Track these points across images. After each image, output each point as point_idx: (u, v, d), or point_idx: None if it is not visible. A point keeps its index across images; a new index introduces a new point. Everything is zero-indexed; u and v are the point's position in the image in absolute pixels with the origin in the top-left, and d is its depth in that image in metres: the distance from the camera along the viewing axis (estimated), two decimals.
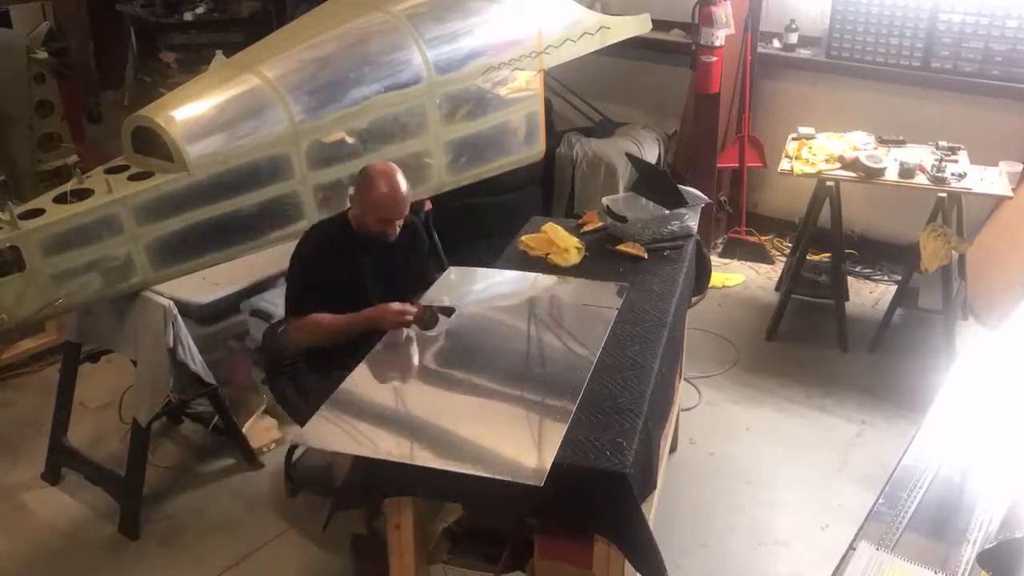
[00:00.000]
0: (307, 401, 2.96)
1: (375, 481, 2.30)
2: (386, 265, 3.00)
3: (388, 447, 2.22)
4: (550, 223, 3.33)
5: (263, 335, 3.35)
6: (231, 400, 3.67)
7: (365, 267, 2.97)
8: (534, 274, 3.06)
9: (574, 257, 3.15)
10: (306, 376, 3.09)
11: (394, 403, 2.43)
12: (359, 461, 2.30)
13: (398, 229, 2.92)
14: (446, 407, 2.38)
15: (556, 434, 2.20)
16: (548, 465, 2.08)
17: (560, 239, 3.21)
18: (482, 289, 3.04)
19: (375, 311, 2.77)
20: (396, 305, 2.75)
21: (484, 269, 3.13)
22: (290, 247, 3.43)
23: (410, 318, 2.72)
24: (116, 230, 2.93)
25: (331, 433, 2.29)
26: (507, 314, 2.88)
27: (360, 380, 2.49)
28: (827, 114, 4.77)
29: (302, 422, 2.98)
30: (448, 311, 2.80)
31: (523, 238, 3.28)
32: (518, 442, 2.22)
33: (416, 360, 2.66)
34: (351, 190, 3.03)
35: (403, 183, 2.87)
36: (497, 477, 2.07)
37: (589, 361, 2.52)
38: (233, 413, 3.63)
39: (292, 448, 3.48)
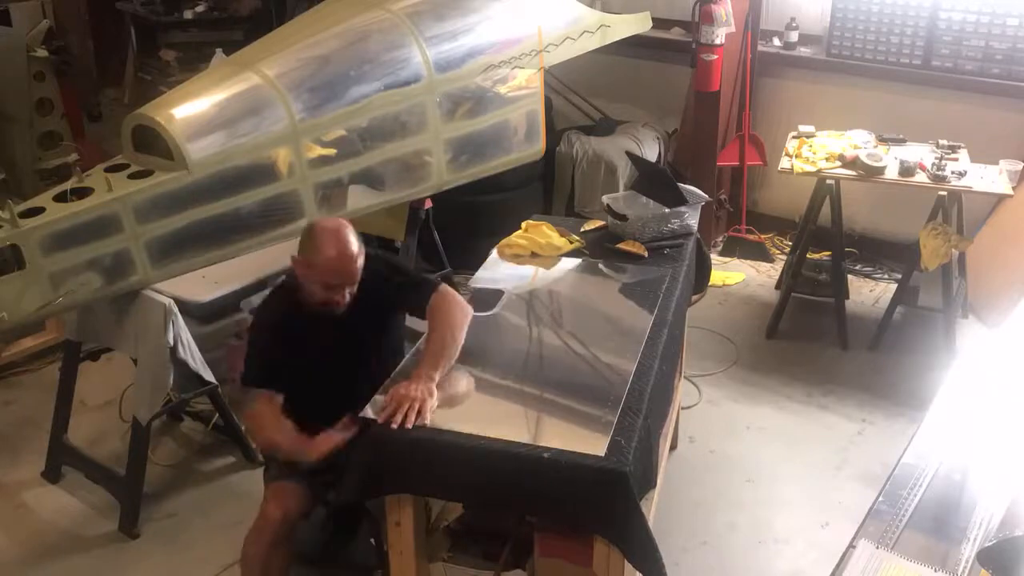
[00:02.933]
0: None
1: (377, 477, 2.30)
2: (345, 336, 2.62)
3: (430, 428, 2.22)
4: (528, 222, 3.26)
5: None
6: (231, 398, 3.67)
7: (320, 342, 2.60)
8: (534, 268, 3.04)
9: (560, 244, 3.14)
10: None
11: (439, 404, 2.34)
12: (361, 456, 2.30)
13: (348, 297, 2.53)
14: (479, 412, 2.38)
15: (598, 444, 2.18)
16: (605, 446, 2.13)
17: (542, 236, 3.17)
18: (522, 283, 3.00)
19: (299, 446, 2.49)
20: (321, 440, 2.46)
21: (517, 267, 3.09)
22: (290, 245, 3.44)
23: (336, 443, 2.44)
24: (116, 228, 2.93)
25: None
26: (506, 311, 2.86)
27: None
28: (827, 112, 4.77)
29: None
30: (497, 294, 2.79)
31: (505, 245, 3.12)
32: (564, 439, 2.22)
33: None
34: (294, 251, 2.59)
35: (354, 243, 2.48)
36: (562, 448, 2.10)
37: (627, 372, 2.47)
38: (233, 411, 3.63)
39: None
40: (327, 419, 2.54)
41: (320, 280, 2.49)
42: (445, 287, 2.62)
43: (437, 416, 2.29)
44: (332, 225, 2.51)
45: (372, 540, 2.84)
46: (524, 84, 3.88)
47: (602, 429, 2.23)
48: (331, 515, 2.84)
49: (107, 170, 3.05)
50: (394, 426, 2.19)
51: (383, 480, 2.30)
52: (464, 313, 2.56)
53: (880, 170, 4.04)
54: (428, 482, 2.28)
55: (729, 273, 5.05)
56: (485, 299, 2.80)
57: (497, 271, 3.06)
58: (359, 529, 2.89)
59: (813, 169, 4.14)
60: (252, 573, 2.62)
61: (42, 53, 5.02)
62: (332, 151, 3.32)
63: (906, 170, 4.00)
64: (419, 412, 2.22)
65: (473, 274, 3.10)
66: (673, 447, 3.62)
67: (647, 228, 3.23)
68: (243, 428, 2.81)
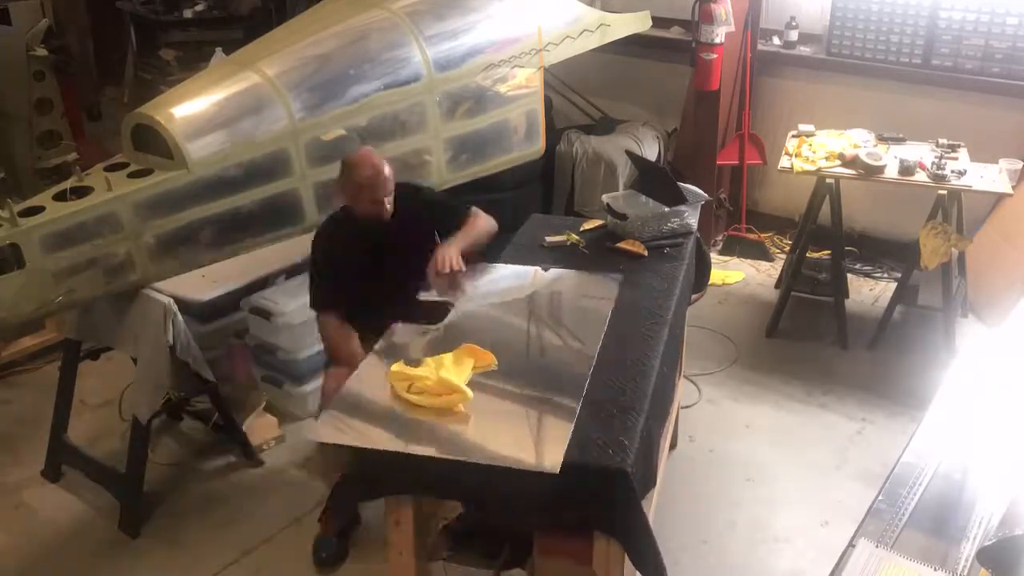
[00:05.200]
0: None
1: (377, 478, 2.30)
2: (396, 239, 3.05)
3: (401, 441, 2.22)
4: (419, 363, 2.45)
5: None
6: (231, 397, 3.67)
7: (373, 250, 3.04)
8: (533, 268, 3.05)
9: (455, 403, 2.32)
10: None
11: (399, 401, 2.38)
12: (361, 457, 2.30)
13: (390, 206, 2.98)
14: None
15: (563, 430, 2.20)
16: (560, 457, 2.10)
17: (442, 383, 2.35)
18: (482, 284, 3.02)
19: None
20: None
21: (487, 264, 3.10)
22: (290, 244, 3.45)
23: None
24: (116, 228, 2.93)
25: (339, 429, 2.29)
26: (505, 310, 2.87)
27: (364, 377, 2.49)
28: (827, 111, 4.77)
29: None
30: (446, 306, 2.81)
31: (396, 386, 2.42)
32: (527, 438, 2.23)
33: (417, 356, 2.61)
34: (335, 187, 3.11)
35: (381, 160, 2.95)
36: (514, 467, 2.08)
37: (589, 357, 2.51)
38: (233, 410, 3.63)
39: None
40: (382, 319, 2.84)
41: (364, 195, 2.93)
42: (476, 210, 3.15)
43: (437, 417, 2.29)
44: (360, 153, 3.01)
45: None
46: (524, 83, 3.88)
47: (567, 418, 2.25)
48: None
49: (107, 169, 3.06)
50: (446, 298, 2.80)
51: (383, 481, 2.30)
52: (490, 224, 3.14)
53: (880, 169, 4.04)
54: (427, 484, 2.28)
55: (729, 272, 5.05)
56: (432, 311, 2.81)
57: (496, 273, 3.06)
58: None
59: (813, 168, 4.14)
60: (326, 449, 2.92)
61: (42, 52, 5.02)
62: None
63: (906, 169, 4.00)
64: (456, 282, 2.89)
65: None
66: (673, 446, 3.62)
67: (647, 227, 3.23)
68: (323, 339, 3.07)
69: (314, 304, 3.06)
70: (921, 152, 4.13)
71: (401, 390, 2.35)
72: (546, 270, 3.03)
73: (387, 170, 2.94)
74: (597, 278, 3.00)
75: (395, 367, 2.41)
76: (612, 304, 2.81)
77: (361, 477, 2.34)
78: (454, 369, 2.40)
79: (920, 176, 4.00)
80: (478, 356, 2.48)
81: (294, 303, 3.54)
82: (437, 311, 2.77)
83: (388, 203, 2.97)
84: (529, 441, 2.23)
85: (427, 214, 3.16)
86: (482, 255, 3.08)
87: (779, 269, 4.95)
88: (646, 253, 3.16)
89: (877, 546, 1.76)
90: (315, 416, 3.13)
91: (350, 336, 2.97)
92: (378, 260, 3.05)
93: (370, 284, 3.03)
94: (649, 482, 2.35)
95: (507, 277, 3.04)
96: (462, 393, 2.30)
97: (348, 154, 3.02)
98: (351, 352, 2.92)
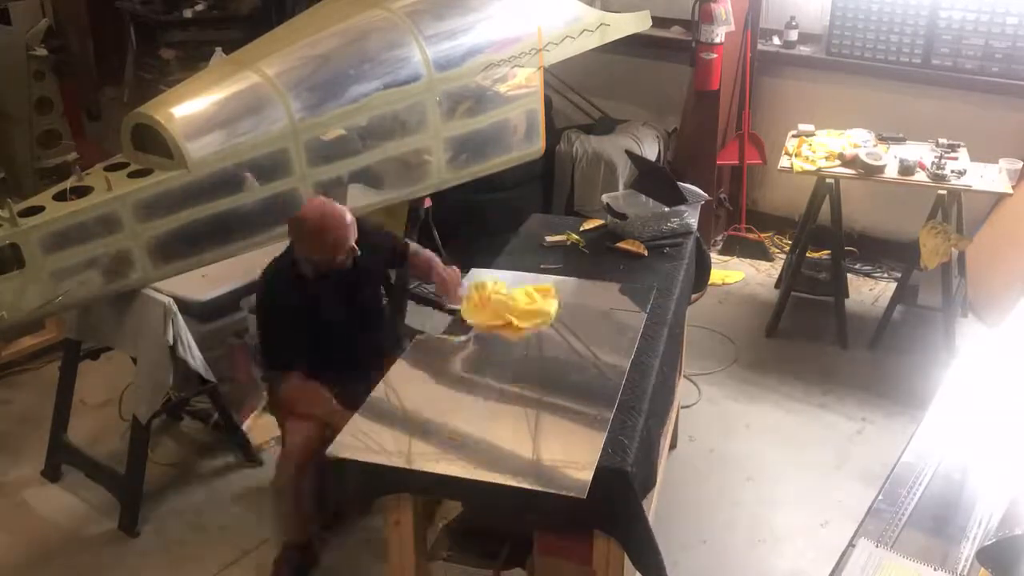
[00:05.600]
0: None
1: (379, 483, 2.29)
2: (349, 289, 2.96)
3: (426, 458, 2.21)
4: (480, 281, 2.90)
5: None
6: (231, 397, 3.67)
7: (331, 300, 2.92)
8: (559, 277, 3.02)
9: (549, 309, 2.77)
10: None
11: (428, 412, 2.39)
12: (364, 465, 2.30)
13: (349, 259, 2.85)
14: (479, 416, 2.37)
15: (594, 444, 2.19)
16: (589, 477, 2.09)
17: (511, 306, 2.77)
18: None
19: (336, 415, 2.72)
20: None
21: (508, 272, 3.05)
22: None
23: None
24: (116, 227, 2.93)
25: (366, 443, 2.28)
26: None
27: (391, 387, 2.48)
28: (827, 111, 4.76)
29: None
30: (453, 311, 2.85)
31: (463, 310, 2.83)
32: (556, 452, 2.22)
33: (445, 367, 2.61)
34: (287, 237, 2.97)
35: (331, 218, 2.78)
36: (542, 490, 2.07)
37: (621, 369, 2.50)
38: (233, 410, 3.63)
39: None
40: (345, 368, 2.88)
41: (317, 255, 2.82)
42: (411, 244, 3.25)
43: (437, 420, 2.29)
44: (318, 207, 2.83)
45: None
46: (524, 83, 3.87)
47: (600, 428, 2.23)
48: None
49: (107, 169, 3.05)
50: (454, 305, 2.87)
51: (382, 482, 2.29)
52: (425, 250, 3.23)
53: (880, 169, 4.04)
54: (427, 485, 2.28)
55: (729, 272, 5.05)
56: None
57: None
58: None
59: (813, 168, 4.14)
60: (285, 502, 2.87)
61: (41, 52, 5.02)
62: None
63: (906, 169, 4.00)
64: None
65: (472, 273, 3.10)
66: (673, 446, 3.62)
67: (647, 227, 3.23)
68: (284, 401, 2.95)
69: (274, 365, 2.92)
70: (921, 152, 4.13)
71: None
72: (546, 271, 3.03)
73: (349, 217, 2.82)
74: (598, 280, 2.99)
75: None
76: (643, 316, 2.77)
77: (363, 481, 2.34)
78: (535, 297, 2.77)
79: (920, 176, 4.00)
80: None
81: None
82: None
83: (349, 254, 2.84)
84: (564, 455, 2.21)
85: (376, 253, 3.06)
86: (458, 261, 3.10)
87: (779, 269, 4.95)
88: (646, 253, 3.16)
89: (877, 546, 1.76)
90: (275, 485, 2.94)
91: (316, 387, 2.86)
92: (336, 307, 2.93)
93: (327, 332, 2.91)
94: (649, 482, 2.35)
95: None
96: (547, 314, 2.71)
97: (304, 209, 2.86)
98: (321, 402, 2.83)
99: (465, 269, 3.11)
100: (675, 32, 5.23)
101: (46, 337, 4.22)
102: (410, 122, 3.54)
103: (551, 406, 2.39)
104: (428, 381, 2.55)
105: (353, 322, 2.99)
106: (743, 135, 5.04)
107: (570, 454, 2.20)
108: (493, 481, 2.11)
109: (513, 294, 2.80)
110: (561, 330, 2.76)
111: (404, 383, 2.51)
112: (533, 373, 2.54)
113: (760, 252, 5.22)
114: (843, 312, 4.38)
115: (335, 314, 2.94)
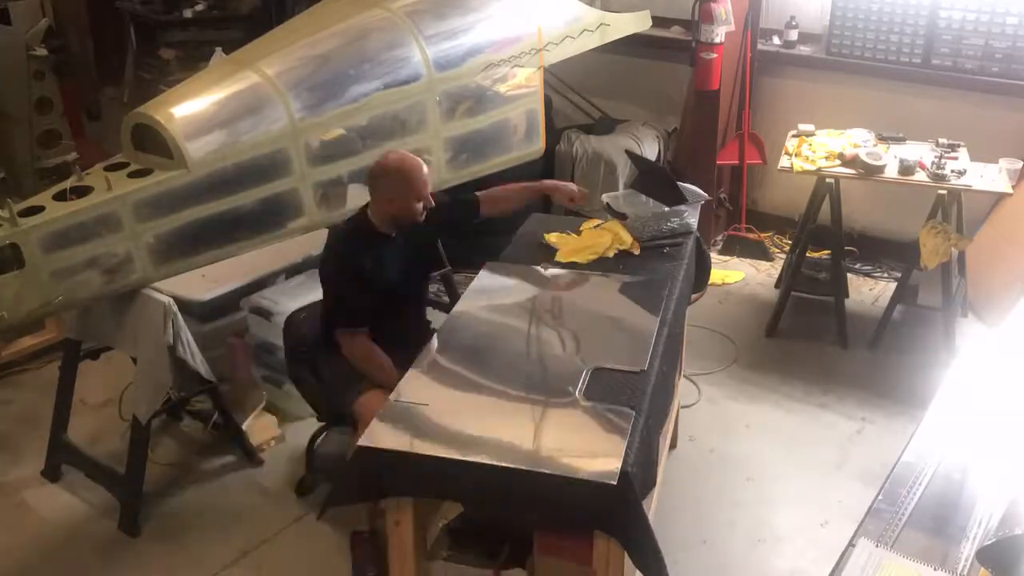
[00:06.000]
0: (325, 386, 3.07)
1: (375, 477, 2.29)
2: (415, 248, 3.07)
3: (448, 446, 2.22)
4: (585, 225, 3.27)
5: (284, 322, 3.32)
6: (231, 397, 3.67)
7: (393, 259, 3.00)
8: (560, 271, 3.04)
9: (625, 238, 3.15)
10: (325, 363, 3.08)
11: (451, 409, 2.39)
12: (360, 455, 2.30)
13: (425, 211, 2.96)
14: (497, 414, 2.38)
15: (619, 438, 2.20)
16: (618, 465, 2.10)
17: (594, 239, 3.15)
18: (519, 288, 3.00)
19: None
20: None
21: (521, 266, 3.08)
22: (290, 244, 3.45)
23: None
24: (116, 227, 2.93)
25: (392, 431, 2.28)
26: (548, 317, 2.84)
27: (413, 383, 2.48)
28: (827, 111, 4.76)
29: (318, 407, 3.21)
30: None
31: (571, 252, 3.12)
32: (582, 446, 2.23)
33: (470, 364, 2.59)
34: (359, 189, 3.12)
35: (413, 162, 2.92)
36: (571, 476, 2.09)
37: (641, 371, 2.49)
38: (233, 410, 3.63)
39: (314, 436, 3.46)
40: (395, 341, 2.92)
41: (400, 202, 2.90)
42: (479, 194, 3.28)
43: (436, 421, 2.29)
44: (397, 152, 2.97)
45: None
46: (524, 83, 3.88)
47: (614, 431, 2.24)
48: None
49: (107, 169, 3.05)
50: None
51: (382, 482, 2.29)
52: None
53: (880, 169, 4.04)
54: (426, 486, 2.28)
55: (729, 272, 5.05)
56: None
57: (494, 279, 3.05)
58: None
59: (813, 168, 4.14)
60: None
61: (41, 52, 5.01)
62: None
63: (906, 169, 4.00)
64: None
65: (472, 272, 3.09)
66: (673, 446, 3.62)
67: (647, 227, 3.23)
68: (361, 367, 2.91)
69: (350, 323, 2.93)
70: (921, 152, 4.13)
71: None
72: (546, 269, 3.03)
73: (425, 167, 2.95)
74: (598, 280, 2.99)
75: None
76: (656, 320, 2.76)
77: (361, 476, 2.34)
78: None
79: (920, 176, 4.00)
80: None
81: (294, 303, 3.53)
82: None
83: (423, 206, 2.94)
84: (589, 450, 2.22)
85: (444, 215, 3.13)
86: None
87: (779, 269, 4.95)
88: (637, 251, 3.14)
89: (877, 546, 1.76)
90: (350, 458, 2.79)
91: (383, 356, 2.91)
92: (404, 271, 3.03)
93: (394, 298, 3.00)
94: (649, 482, 2.35)
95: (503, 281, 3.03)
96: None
97: (385, 157, 2.96)
98: (391, 371, 2.84)
99: (466, 270, 3.12)
100: (675, 32, 5.23)
101: (46, 337, 4.22)
102: (410, 122, 3.55)
103: (556, 406, 2.38)
104: (451, 380, 2.52)
105: (411, 289, 3.08)
106: (743, 135, 5.04)
107: (593, 445, 2.21)
108: (514, 467, 2.12)
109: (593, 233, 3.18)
110: (564, 331, 2.76)
111: (426, 379, 2.50)
112: (536, 373, 2.53)
113: (760, 252, 5.22)
114: (843, 312, 4.38)
115: (398, 277, 3.01)
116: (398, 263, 3.01)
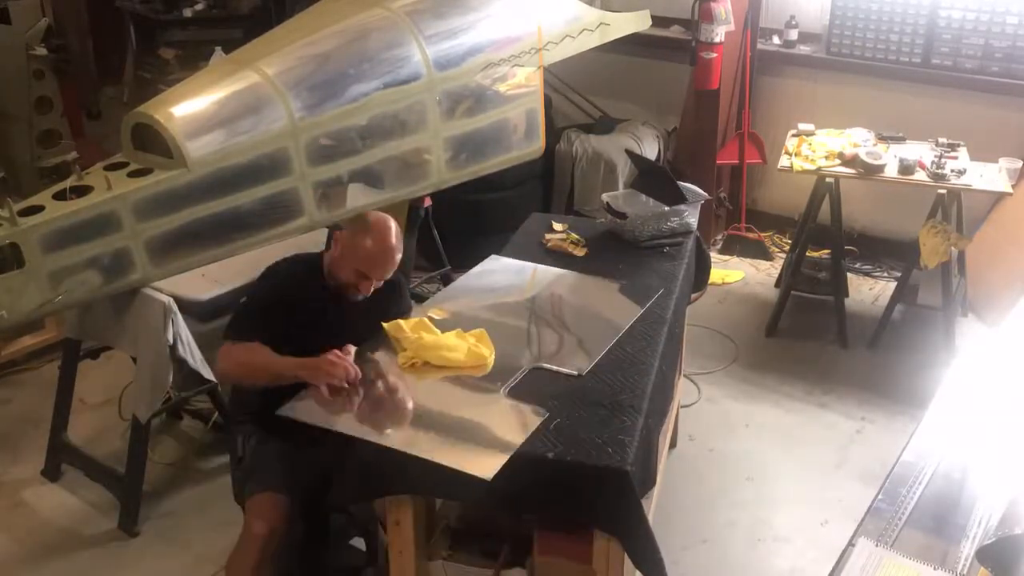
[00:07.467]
0: (240, 464, 2.81)
1: (376, 478, 2.29)
2: (350, 323, 2.67)
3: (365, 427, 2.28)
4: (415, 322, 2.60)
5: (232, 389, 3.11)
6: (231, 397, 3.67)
7: (329, 318, 2.67)
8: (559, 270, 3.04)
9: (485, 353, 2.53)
10: (251, 437, 2.81)
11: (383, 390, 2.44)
12: (356, 459, 2.30)
13: (371, 290, 2.67)
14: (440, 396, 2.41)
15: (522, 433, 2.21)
16: (502, 463, 2.08)
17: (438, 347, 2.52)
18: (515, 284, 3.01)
19: (310, 363, 2.42)
20: (334, 356, 2.41)
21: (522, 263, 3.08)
22: (290, 244, 3.44)
23: (347, 376, 2.39)
24: (115, 227, 2.92)
25: (319, 411, 2.34)
26: (536, 318, 2.84)
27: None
28: (827, 111, 4.77)
29: (233, 484, 2.89)
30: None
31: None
32: (494, 436, 2.23)
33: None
34: (334, 233, 2.75)
35: (396, 243, 2.64)
36: (448, 465, 2.08)
37: (628, 371, 2.50)
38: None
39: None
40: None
41: (357, 266, 2.62)
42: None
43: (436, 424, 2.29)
44: (382, 221, 2.65)
45: (359, 538, 2.88)
46: (524, 82, 3.87)
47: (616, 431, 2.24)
48: (305, 526, 2.80)
49: (106, 168, 3.05)
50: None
51: (382, 482, 2.29)
52: None
53: (880, 168, 4.04)
54: (426, 485, 2.28)
55: (729, 271, 5.05)
56: None
57: (493, 276, 3.05)
58: (334, 532, 2.90)
59: (812, 167, 4.14)
60: None
61: (41, 51, 5.01)
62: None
63: (906, 168, 4.00)
64: None
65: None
66: (673, 445, 3.62)
67: (646, 226, 3.23)
68: (245, 373, 2.61)
69: (238, 333, 2.62)
70: (921, 151, 4.13)
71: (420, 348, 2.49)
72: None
73: (395, 252, 2.64)
74: (599, 280, 2.99)
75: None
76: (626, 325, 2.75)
77: (360, 476, 2.34)
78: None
79: (920, 175, 4.00)
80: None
81: None
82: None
83: (373, 286, 2.66)
84: (495, 440, 2.21)
85: (393, 308, 2.75)
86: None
87: (779, 268, 4.95)
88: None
89: (877, 545, 1.76)
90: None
91: (271, 356, 2.53)
92: (332, 333, 2.57)
93: (296, 345, 2.55)
94: (649, 481, 2.35)
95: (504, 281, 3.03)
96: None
97: (370, 214, 2.72)
98: (272, 371, 2.50)
99: (465, 269, 3.11)
100: (675, 31, 5.23)
101: (46, 337, 4.22)
102: (410, 121, 3.54)
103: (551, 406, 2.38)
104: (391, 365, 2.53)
105: (336, 343, 2.55)
106: (743, 134, 5.04)
107: (502, 438, 2.20)
108: (414, 454, 2.14)
109: (445, 338, 2.54)
110: (563, 330, 2.77)
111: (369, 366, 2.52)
112: (535, 372, 2.53)
113: (760, 251, 5.22)
114: (843, 311, 4.38)
115: (325, 335, 2.56)
116: (332, 322, 2.66)
